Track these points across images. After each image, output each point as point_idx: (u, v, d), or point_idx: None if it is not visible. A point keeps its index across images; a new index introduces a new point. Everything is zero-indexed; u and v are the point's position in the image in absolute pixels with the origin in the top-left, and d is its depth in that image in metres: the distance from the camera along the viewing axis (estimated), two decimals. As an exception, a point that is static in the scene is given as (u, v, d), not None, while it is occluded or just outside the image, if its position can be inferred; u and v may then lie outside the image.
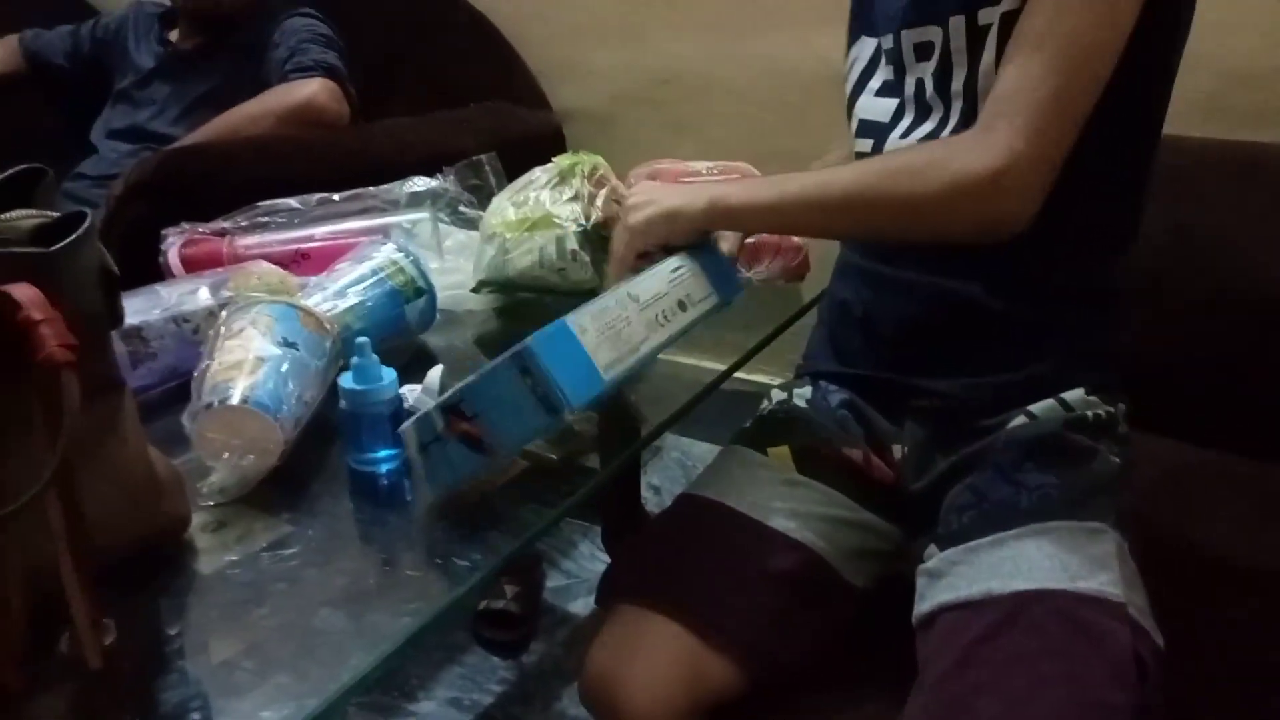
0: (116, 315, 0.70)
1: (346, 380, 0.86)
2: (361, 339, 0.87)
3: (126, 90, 1.94)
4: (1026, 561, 0.82)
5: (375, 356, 0.87)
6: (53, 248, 0.61)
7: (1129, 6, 0.79)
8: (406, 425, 0.82)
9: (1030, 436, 0.90)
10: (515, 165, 1.37)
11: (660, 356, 1.17)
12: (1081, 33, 0.79)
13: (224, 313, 0.94)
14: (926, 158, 0.84)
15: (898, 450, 0.99)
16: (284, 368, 0.87)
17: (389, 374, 0.87)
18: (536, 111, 2.10)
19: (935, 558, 0.87)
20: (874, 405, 1.01)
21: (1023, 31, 0.81)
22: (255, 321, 0.91)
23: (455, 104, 1.95)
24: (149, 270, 1.19)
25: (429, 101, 1.95)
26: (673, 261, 0.92)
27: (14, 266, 0.60)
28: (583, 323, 0.78)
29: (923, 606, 0.86)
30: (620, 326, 0.81)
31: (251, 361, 0.86)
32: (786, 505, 0.96)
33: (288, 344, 0.90)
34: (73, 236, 0.63)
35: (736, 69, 2.01)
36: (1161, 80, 0.89)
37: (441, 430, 0.79)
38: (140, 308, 1.01)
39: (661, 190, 0.95)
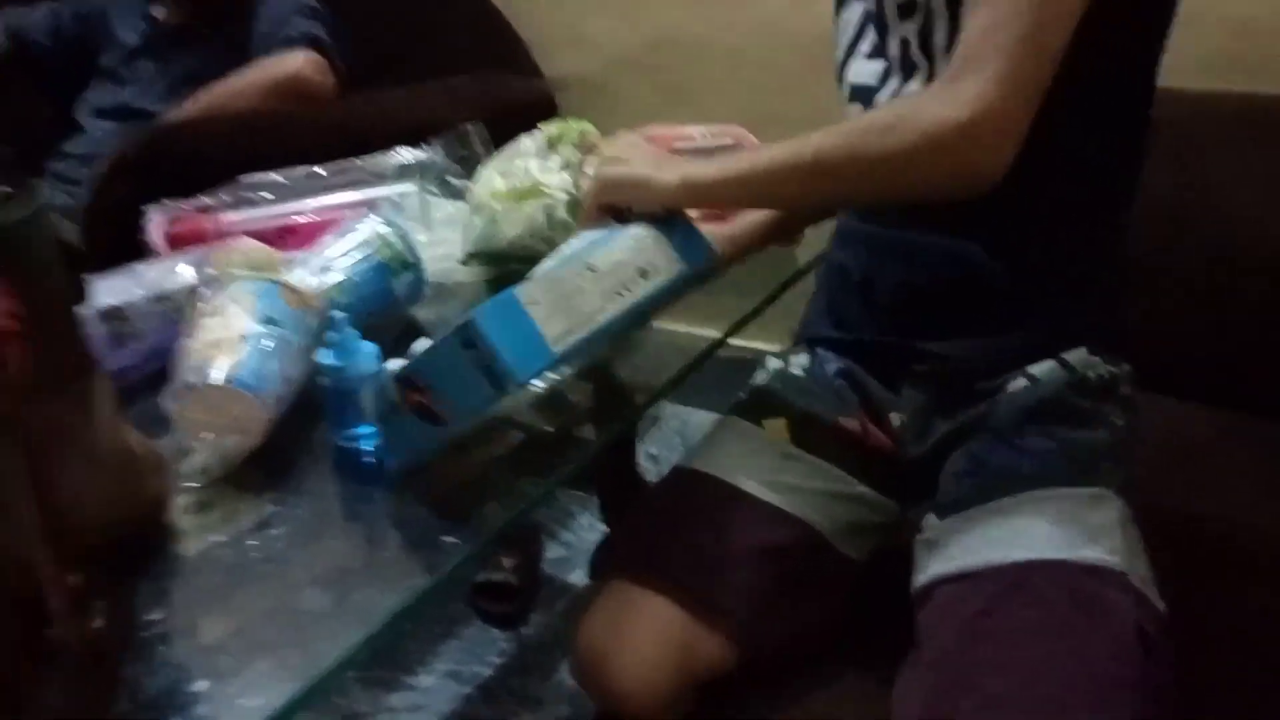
0: (80, 292, 0.69)
1: (325, 356, 0.84)
2: (339, 313, 0.86)
3: (111, 68, 1.91)
4: (1026, 530, 0.80)
5: (354, 331, 0.85)
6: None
7: None
8: (368, 396, 0.82)
9: (1031, 399, 0.88)
10: (508, 135, 1.33)
11: (655, 324, 1.17)
12: None
13: (203, 290, 0.92)
14: (896, 113, 0.81)
15: (896, 418, 0.97)
16: (266, 346, 0.86)
17: (368, 348, 0.86)
18: (528, 80, 2.07)
19: (933, 526, 0.86)
20: (872, 372, 0.99)
21: None
22: (236, 298, 0.89)
23: (445, 73, 1.91)
24: (135, 248, 1.17)
25: (418, 71, 1.92)
26: (636, 227, 0.89)
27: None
28: (533, 294, 0.77)
29: (920, 578, 0.84)
30: (574, 297, 0.80)
31: (233, 340, 0.85)
32: (782, 479, 0.94)
33: (270, 321, 0.88)
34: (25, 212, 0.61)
35: (731, 32, 1.98)
36: (1156, 33, 0.86)
37: (398, 402, 0.79)
38: (121, 287, 1.00)
39: (638, 152, 0.93)
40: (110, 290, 0.99)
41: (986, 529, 0.82)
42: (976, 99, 0.75)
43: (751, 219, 1.09)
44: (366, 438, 0.85)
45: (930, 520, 0.87)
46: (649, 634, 0.86)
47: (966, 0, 0.80)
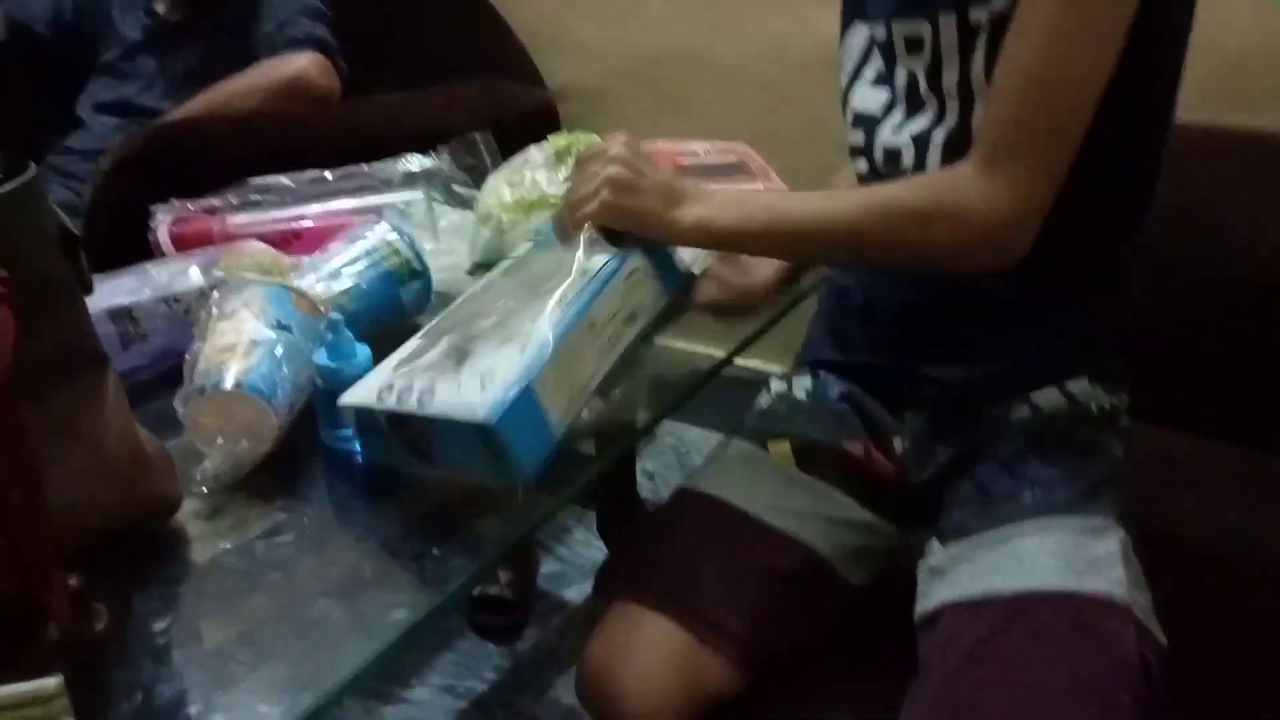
0: (85, 281, 0.68)
1: (321, 357, 0.84)
2: (336, 315, 0.85)
3: (112, 62, 1.90)
4: (1030, 559, 0.81)
5: (350, 334, 0.85)
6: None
7: (1119, 28, 0.77)
8: (345, 402, 0.79)
9: (1033, 428, 0.89)
10: (508, 142, 1.34)
11: (656, 341, 1.17)
12: (1076, 63, 0.77)
13: (215, 294, 0.91)
14: (933, 203, 0.82)
15: (899, 443, 0.97)
16: (278, 351, 0.85)
17: (363, 351, 0.85)
18: (530, 88, 2.07)
19: (937, 553, 0.87)
20: (875, 396, 1.00)
21: (1015, 58, 0.79)
22: (248, 303, 0.89)
23: (446, 79, 1.91)
24: (137, 248, 1.16)
25: (419, 76, 1.92)
26: (630, 263, 0.87)
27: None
28: (545, 378, 0.74)
29: (925, 604, 0.85)
30: (575, 364, 0.78)
31: (245, 345, 0.84)
32: (786, 503, 0.95)
33: (281, 326, 0.88)
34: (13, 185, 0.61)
35: (733, 46, 1.98)
36: (1171, 66, 0.87)
37: (384, 429, 0.77)
38: (130, 287, 0.99)
39: (649, 182, 0.89)
40: (118, 289, 0.99)
41: (991, 556, 0.83)
42: (1016, 197, 0.78)
43: (770, 269, 1.10)
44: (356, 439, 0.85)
45: (934, 546, 0.88)
46: (654, 656, 0.86)
47: (998, 73, 0.81)
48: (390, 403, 0.74)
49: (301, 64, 1.71)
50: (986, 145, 0.81)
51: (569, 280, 0.83)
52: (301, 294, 0.93)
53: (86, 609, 0.65)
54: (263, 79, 1.70)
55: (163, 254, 1.16)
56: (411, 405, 0.73)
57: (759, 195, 0.91)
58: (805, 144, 1.46)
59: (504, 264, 0.99)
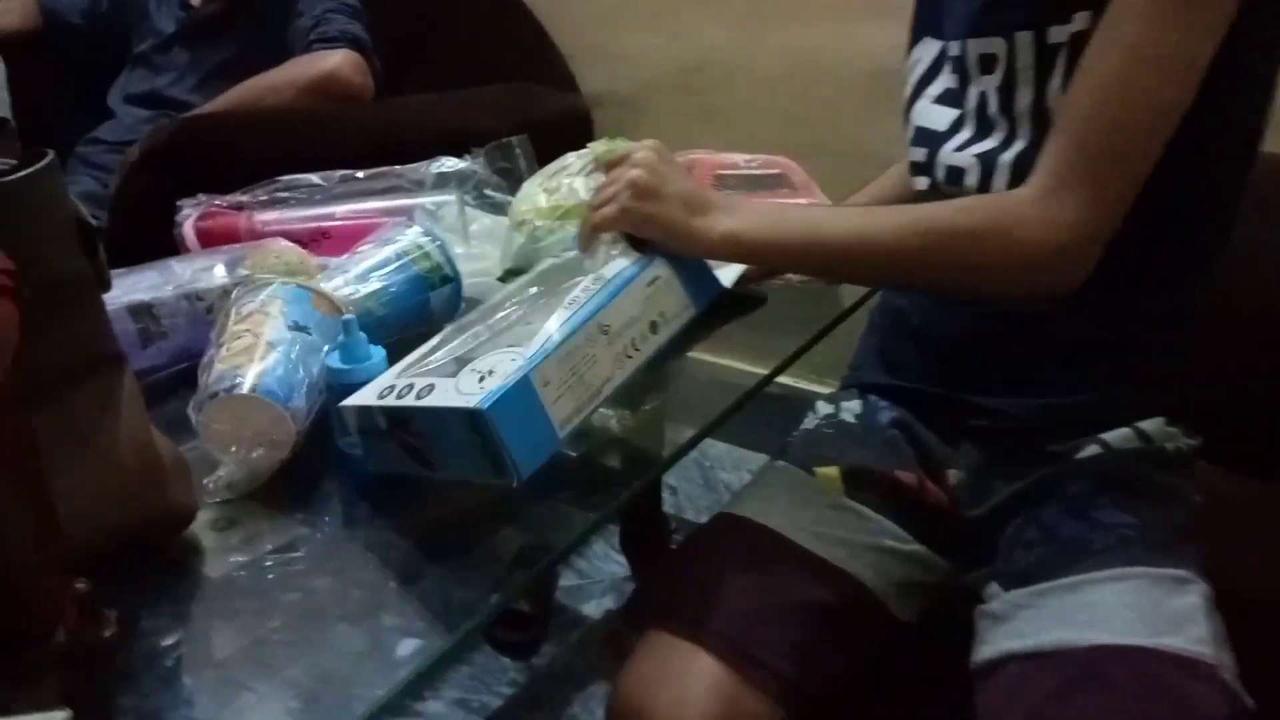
0: (103, 278, 0.65)
1: (333, 360, 0.81)
2: (349, 316, 0.83)
3: (145, 54, 1.88)
4: (1103, 610, 0.76)
5: (363, 335, 0.83)
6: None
7: (1203, 56, 0.73)
8: (345, 405, 0.77)
9: (1105, 469, 0.84)
10: (541, 148, 1.31)
11: (690, 355, 1.13)
12: (1153, 91, 0.74)
13: (234, 294, 0.89)
14: (986, 222, 0.78)
15: (952, 475, 0.93)
16: (294, 354, 0.82)
17: (377, 353, 0.83)
18: (565, 94, 2.04)
19: (999, 599, 0.81)
20: (928, 424, 0.95)
21: (1091, 79, 0.75)
22: (265, 304, 0.86)
23: (481, 83, 1.89)
24: (162, 243, 1.14)
25: (454, 79, 1.89)
26: (651, 271, 0.83)
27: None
28: (546, 373, 0.71)
29: (984, 652, 0.80)
30: (586, 368, 0.75)
31: (261, 347, 0.81)
32: (834, 531, 0.90)
33: (299, 328, 0.85)
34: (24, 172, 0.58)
35: (770, 59, 1.95)
36: (1258, 104, 0.82)
37: (384, 430, 0.75)
38: (152, 283, 0.96)
39: (674, 188, 0.85)
40: (140, 284, 0.96)
41: (1059, 607, 0.78)
42: (1076, 224, 0.75)
43: None
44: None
45: (994, 590, 0.82)
46: (692, 693, 0.81)
47: (1070, 92, 0.77)
48: (390, 400, 0.74)
49: (335, 61, 1.68)
50: (1051, 168, 0.77)
51: (581, 285, 0.81)
52: (322, 294, 0.90)
53: (94, 615, 0.62)
54: (295, 75, 1.67)
55: (188, 250, 1.13)
56: (408, 400, 0.72)
57: (795, 209, 0.86)
58: (842, 159, 1.42)
59: (530, 274, 0.96)
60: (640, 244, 0.86)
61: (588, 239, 0.88)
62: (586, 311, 0.77)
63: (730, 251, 0.86)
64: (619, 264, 0.84)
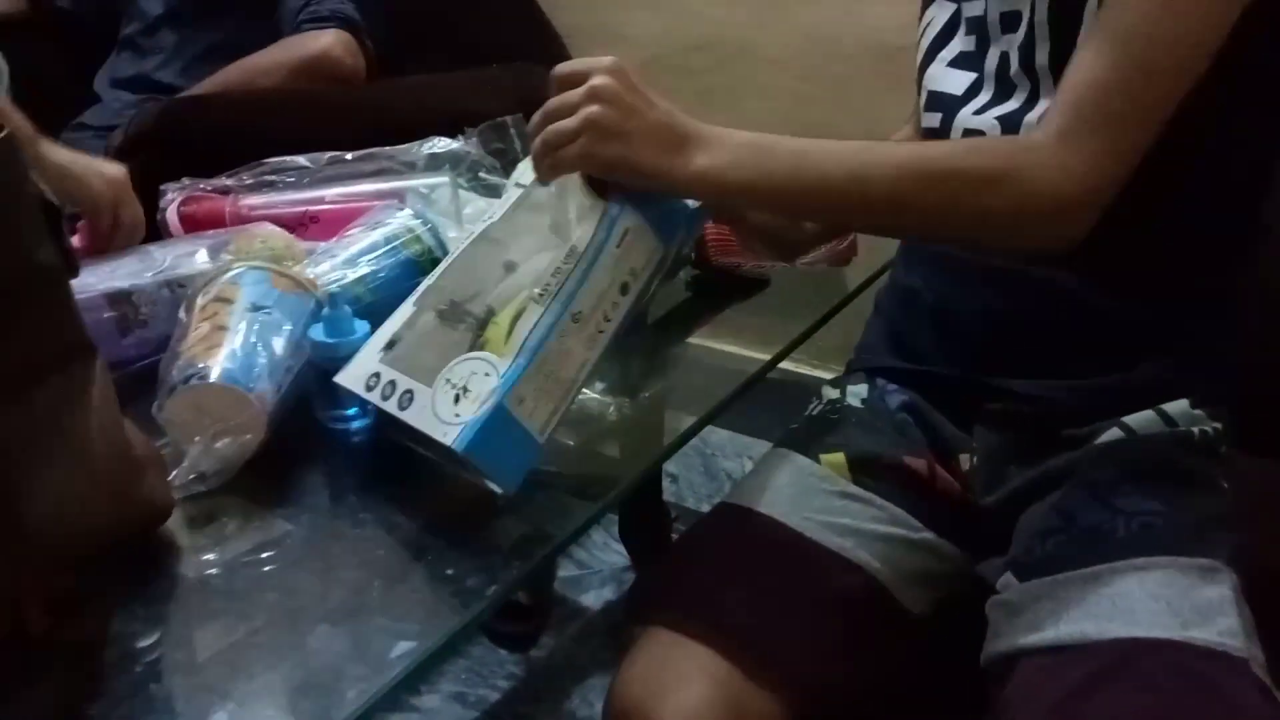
0: (70, 263, 0.61)
1: (316, 332, 0.80)
2: (334, 289, 0.83)
3: (132, 37, 1.84)
4: (1127, 601, 0.72)
5: (348, 309, 0.81)
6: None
7: (1234, 3, 0.70)
8: (339, 381, 0.77)
9: (1129, 454, 0.80)
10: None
11: (690, 341, 1.09)
12: (1175, 34, 0.70)
13: (200, 285, 0.86)
14: (999, 164, 0.74)
15: (965, 460, 0.89)
16: (254, 335, 0.79)
17: (362, 327, 0.81)
18: (562, 74, 2.00)
19: (1013, 589, 0.78)
20: (940, 407, 0.91)
21: (1114, 17, 0.72)
22: (223, 291, 0.84)
23: (478, 63, 1.85)
24: (147, 229, 1.10)
25: (450, 60, 1.86)
26: (620, 226, 0.77)
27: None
28: (521, 391, 0.71)
29: (998, 645, 0.76)
30: (558, 367, 0.73)
31: (218, 333, 0.79)
32: (841, 521, 0.86)
33: (257, 308, 0.82)
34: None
35: (775, 37, 1.91)
36: None
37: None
38: (132, 270, 0.94)
39: (639, 123, 0.76)
40: (119, 271, 0.93)
41: (1080, 597, 0.74)
42: (1092, 171, 0.71)
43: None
44: (355, 418, 0.81)
45: (1009, 580, 0.79)
46: (697, 689, 0.77)
47: (1089, 37, 0.73)
48: (375, 398, 0.75)
49: (326, 42, 1.64)
50: (1068, 111, 0.73)
51: (554, 265, 0.75)
52: (281, 272, 0.88)
53: (69, 617, 0.60)
54: (285, 56, 1.63)
55: (171, 235, 1.10)
56: (392, 408, 0.73)
57: (782, 141, 0.77)
58: (850, 138, 1.39)
59: (497, 210, 0.85)
60: (599, 183, 0.79)
61: (544, 176, 0.79)
62: (559, 306, 0.74)
63: (705, 191, 0.79)
64: (586, 227, 0.77)
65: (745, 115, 1.78)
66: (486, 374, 0.71)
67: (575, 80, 0.77)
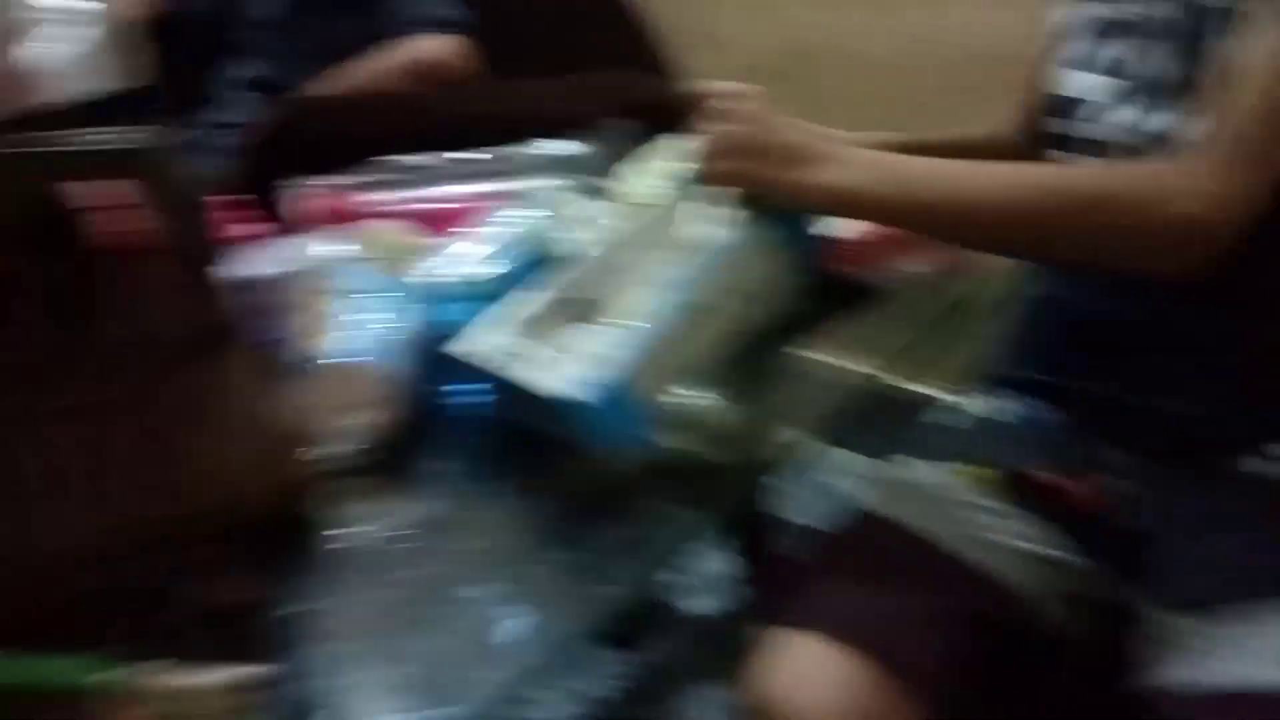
0: (213, 252, 0.68)
1: (438, 314, 0.84)
2: (456, 283, 0.87)
3: (248, 39, 1.90)
4: None
5: (470, 303, 0.85)
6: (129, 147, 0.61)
7: None
8: (460, 351, 0.80)
9: None
10: (647, 136, 1.27)
11: (801, 353, 1.08)
12: None
13: (328, 276, 0.90)
14: (1147, 189, 0.72)
15: (1102, 479, 0.86)
16: (381, 320, 0.84)
17: (472, 307, 0.84)
18: (668, 81, 2.00)
19: (1163, 622, 0.75)
20: (1082, 425, 0.89)
21: (1263, 49, 0.71)
22: (350, 284, 0.88)
23: (581, 68, 1.86)
24: (269, 225, 1.13)
25: (554, 64, 1.87)
26: (745, 236, 0.82)
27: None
28: (642, 364, 0.75)
29: (1154, 678, 0.73)
30: (677, 349, 0.77)
31: (345, 319, 0.83)
32: (980, 534, 0.84)
33: (384, 296, 0.87)
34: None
35: (882, 43, 1.90)
36: None
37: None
38: (256, 261, 0.95)
39: (779, 140, 0.80)
40: (245, 263, 0.95)
41: (1239, 637, 0.71)
42: (1230, 200, 0.70)
43: None
44: (475, 394, 0.82)
45: (1158, 612, 0.76)
46: (833, 695, 0.76)
47: (1239, 60, 0.72)
48: (495, 366, 0.77)
49: (437, 45, 1.69)
50: (1212, 138, 0.71)
51: (679, 257, 0.81)
52: (404, 265, 0.92)
53: (232, 581, 0.64)
54: (401, 60, 1.68)
55: (291, 232, 1.12)
56: (516, 373, 0.76)
57: (914, 161, 0.78)
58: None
59: (642, 218, 0.95)
60: (745, 200, 0.83)
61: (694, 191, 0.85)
62: (681, 289, 0.77)
63: (833, 205, 0.81)
64: (712, 231, 0.82)
65: (846, 124, 1.76)
66: (608, 346, 0.75)
67: (715, 99, 0.84)
